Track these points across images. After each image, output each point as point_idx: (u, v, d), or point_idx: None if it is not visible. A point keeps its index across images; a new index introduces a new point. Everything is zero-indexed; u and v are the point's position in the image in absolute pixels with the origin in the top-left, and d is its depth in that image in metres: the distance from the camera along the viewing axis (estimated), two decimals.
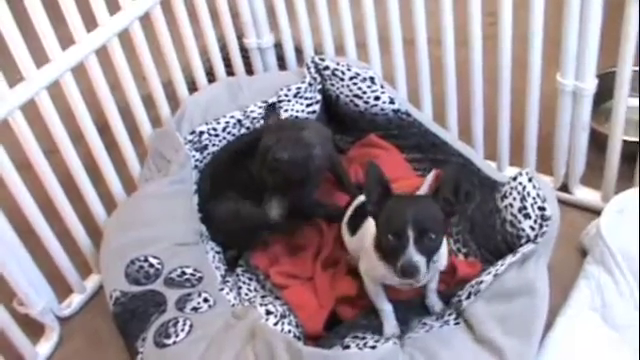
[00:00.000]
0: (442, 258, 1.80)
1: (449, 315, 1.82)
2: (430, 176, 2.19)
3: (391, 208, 1.66)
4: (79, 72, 2.13)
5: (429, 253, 1.62)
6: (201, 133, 2.30)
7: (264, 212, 2.11)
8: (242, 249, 2.20)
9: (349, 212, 2.03)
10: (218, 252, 2.16)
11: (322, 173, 2.18)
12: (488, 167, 2.13)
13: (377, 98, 2.28)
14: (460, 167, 1.66)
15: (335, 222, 2.16)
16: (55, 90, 2.07)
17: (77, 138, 2.19)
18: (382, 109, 2.29)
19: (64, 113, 2.12)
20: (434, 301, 1.93)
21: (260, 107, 2.36)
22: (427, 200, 1.68)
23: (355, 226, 1.96)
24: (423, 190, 2.12)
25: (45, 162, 2.09)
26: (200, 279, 1.96)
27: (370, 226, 1.82)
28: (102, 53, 2.17)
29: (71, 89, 2.09)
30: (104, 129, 2.27)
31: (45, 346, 2.16)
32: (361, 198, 1.98)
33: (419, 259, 1.59)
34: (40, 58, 2.01)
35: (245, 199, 2.15)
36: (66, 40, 2.07)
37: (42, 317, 2.13)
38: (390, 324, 1.89)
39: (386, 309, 1.89)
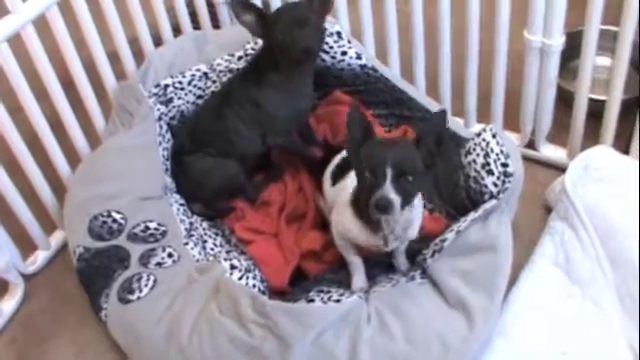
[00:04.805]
0: (415, 227, 1.80)
1: (415, 271, 1.83)
2: (397, 132, 2.20)
3: (372, 147, 1.65)
4: (43, 29, 2.09)
5: (405, 195, 1.60)
6: (166, 86, 2.28)
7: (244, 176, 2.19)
8: (212, 204, 2.21)
9: (335, 161, 2.03)
10: (182, 204, 2.15)
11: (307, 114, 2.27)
12: (455, 123, 2.13)
13: (344, 53, 2.26)
14: (444, 116, 1.65)
15: (308, 161, 2.21)
16: (19, 46, 2.04)
17: (41, 95, 2.15)
18: (349, 64, 2.27)
19: (28, 70, 2.09)
20: (401, 261, 1.94)
21: (227, 60, 2.33)
22: (409, 145, 1.66)
23: (337, 177, 1.96)
24: None
25: (9, 119, 2.05)
26: (164, 233, 1.95)
27: (350, 182, 1.82)
28: (66, 8, 2.13)
29: (33, 42, 2.05)
30: (69, 85, 2.24)
31: (9, 303, 2.15)
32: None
33: (394, 197, 1.57)
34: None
35: (223, 156, 2.17)
36: None
37: (6, 274, 2.12)
38: (359, 278, 1.90)
39: (355, 261, 1.90)
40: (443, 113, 1.66)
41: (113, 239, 1.92)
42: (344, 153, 1.99)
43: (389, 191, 1.57)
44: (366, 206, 1.63)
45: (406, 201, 1.61)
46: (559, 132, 2.27)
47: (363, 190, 1.66)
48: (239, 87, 2.17)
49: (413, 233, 1.82)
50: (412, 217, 1.77)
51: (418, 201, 1.79)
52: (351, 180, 1.82)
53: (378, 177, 1.58)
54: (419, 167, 1.63)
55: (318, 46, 2.07)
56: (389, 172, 1.57)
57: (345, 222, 1.81)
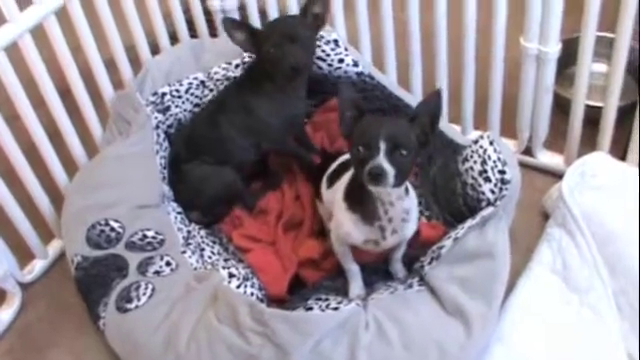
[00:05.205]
0: (412, 222, 1.80)
1: (412, 279, 1.83)
2: None
3: (365, 123, 1.65)
4: (40, 37, 2.09)
5: (399, 168, 1.58)
6: (163, 94, 2.28)
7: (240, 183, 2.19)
8: (209, 211, 2.21)
9: (333, 166, 2.02)
10: (180, 213, 2.15)
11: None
12: (452, 130, 2.14)
13: (341, 61, 2.26)
14: (439, 96, 1.65)
15: (307, 166, 2.23)
16: (16, 55, 2.04)
17: (38, 103, 2.15)
18: (346, 72, 2.27)
19: (25, 78, 2.09)
20: (398, 268, 1.94)
21: (224, 69, 2.33)
22: (403, 121, 1.66)
23: (333, 179, 1.95)
24: None
25: (6, 128, 2.05)
26: (162, 242, 1.95)
27: (344, 179, 1.82)
28: (63, 17, 2.13)
29: (30, 51, 2.05)
30: (66, 94, 2.24)
31: (7, 312, 2.15)
32: (346, 156, 1.97)
33: (388, 167, 1.56)
34: None
35: (220, 164, 2.17)
36: (25, 1, 2.03)
37: (3, 283, 2.11)
38: (356, 285, 1.90)
39: (353, 269, 1.90)
40: (438, 93, 1.65)
41: (111, 248, 1.92)
42: (342, 159, 2.00)
43: (382, 161, 1.56)
44: (360, 186, 1.64)
45: (399, 176, 1.59)
46: (556, 139, 2.28)
47: (357, 166, 1.64)
48: (234, 95, 2.17)
49: (410, 231, 1.81)
50: (409, 207, 1.76)
51: (413, 192, 1.79)
52: (344, 178, 1.83)
53: (372, 149, 1.58)
54: (413, 142, 1.62)
55: (307, 63, 2.08)
56: (383, 145, 1.57)
57: (340, 217, 1.81)
